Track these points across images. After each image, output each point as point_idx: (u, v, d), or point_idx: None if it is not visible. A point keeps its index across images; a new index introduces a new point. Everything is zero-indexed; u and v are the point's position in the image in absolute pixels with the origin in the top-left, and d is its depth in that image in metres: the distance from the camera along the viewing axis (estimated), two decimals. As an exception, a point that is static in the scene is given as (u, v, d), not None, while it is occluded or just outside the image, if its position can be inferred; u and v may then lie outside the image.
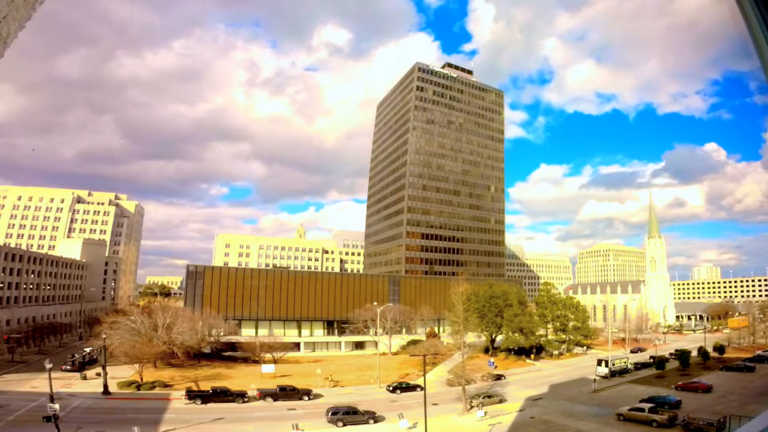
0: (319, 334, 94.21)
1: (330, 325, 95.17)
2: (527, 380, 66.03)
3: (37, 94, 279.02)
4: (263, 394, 50.52)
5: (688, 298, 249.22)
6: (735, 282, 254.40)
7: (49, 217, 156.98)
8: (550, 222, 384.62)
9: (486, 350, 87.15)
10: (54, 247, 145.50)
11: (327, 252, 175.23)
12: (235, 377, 61.43)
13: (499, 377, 65.82)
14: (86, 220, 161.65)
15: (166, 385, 53.60)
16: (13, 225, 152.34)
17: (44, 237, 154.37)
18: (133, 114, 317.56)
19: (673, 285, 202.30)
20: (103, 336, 56.96)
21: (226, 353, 76.80)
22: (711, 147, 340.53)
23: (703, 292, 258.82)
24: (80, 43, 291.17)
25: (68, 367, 60.81)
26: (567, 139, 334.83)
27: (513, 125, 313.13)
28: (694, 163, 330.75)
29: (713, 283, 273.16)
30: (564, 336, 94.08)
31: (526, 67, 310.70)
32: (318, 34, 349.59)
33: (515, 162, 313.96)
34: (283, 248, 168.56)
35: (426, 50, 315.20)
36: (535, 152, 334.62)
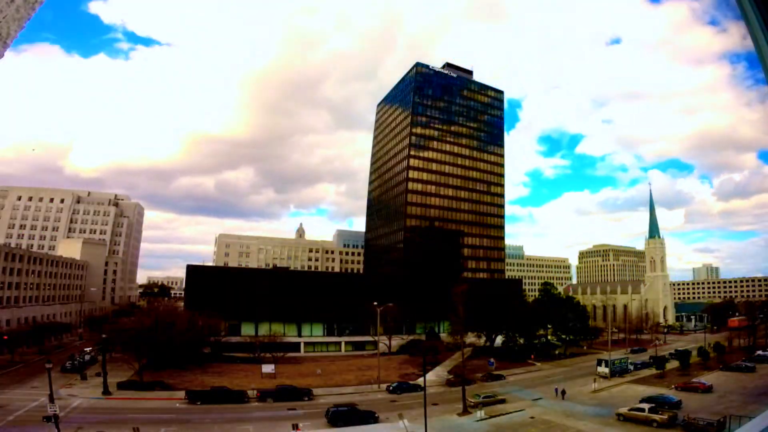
0: (319, 334, 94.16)
1: (330, 325, 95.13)
2: (527, 380, 66.05)
3: (216, 148, 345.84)
4: (263, 394, 50.49)
5: (688, 298, 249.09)
6: (735, 282, 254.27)
7: (49, 217, 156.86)
8: (557, 230, 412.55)
9: (486, 350, 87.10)
10: (54, 247, 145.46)
11: (327, 252, 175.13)
12: (235, 377, 61.36)
13: (499, 377, 65.86)
14: (86, 220, 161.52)
15: (165, 385, 53.56)
16: (14, 225, 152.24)
17: (44, 237, 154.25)
18: (275, 165, 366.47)
19: (673, 285, 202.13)
20: (103, 336, 56.94)
21: (226, 353, 76.76)
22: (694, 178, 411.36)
23: (703, 292, 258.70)
24: (282, 131, 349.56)
25: (68, 367, 60.79)
26: (587, 173, 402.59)
27: (549, 168, 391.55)
28: (675, 191, 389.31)
29: (713, 283, 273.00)
30: (564, 336, 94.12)
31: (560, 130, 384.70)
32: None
33: (544, 189, 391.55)
34: (283, 248, 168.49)
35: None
36: (559, 182, 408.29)
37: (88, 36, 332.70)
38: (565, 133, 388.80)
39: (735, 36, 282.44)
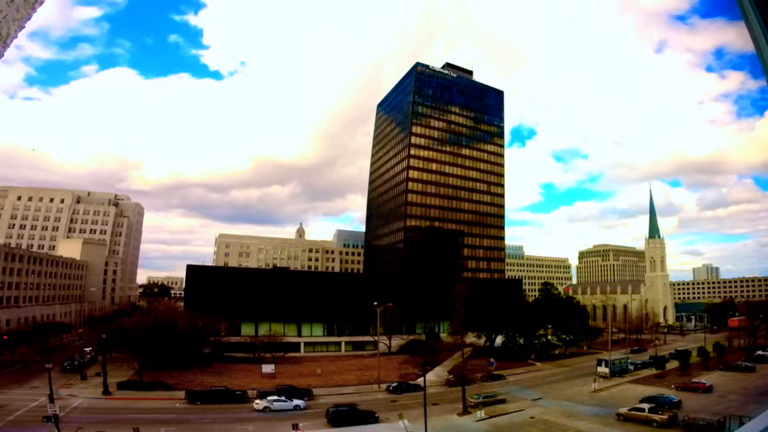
0: (319, 334, 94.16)
1: (330, 325, 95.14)
2: (527, 380, 66.05)
3: (274, 169, 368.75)
4: (263, 394, 50.46)
5: (688, 298, 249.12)
6: (735, 282, 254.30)
7: (49, 217, 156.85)
8: (563, 234, 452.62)
9: (486, 350, 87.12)
10: (54, 247, 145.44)
11: (327, 252, 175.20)
12: (235, 377, 61.41)
13: (499, 377, 65.86)
14: (86, 220, 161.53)
15: (165, 385, 53.56)
16: (13, 225, 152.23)
17: (44, 237, 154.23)
18: (316, 179, 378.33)
19: (673, 285, 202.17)
20: (103, 336, 56.92)
21: (226, 353, 76.77)
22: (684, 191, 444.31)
23: (703, 292, 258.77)
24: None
25: (68, 368, 60.77)
26: (593, 185, 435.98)
27: (561, 180, 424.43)
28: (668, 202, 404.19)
29: (713, 283, 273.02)
30: (564, 336, 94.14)
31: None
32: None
33: (554, 198, 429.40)
34: (283, 248, 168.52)
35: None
36: (569, 193, 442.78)
37: (167, 62, 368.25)
38: (577, 152, 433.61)
39: (727, 82, 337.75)
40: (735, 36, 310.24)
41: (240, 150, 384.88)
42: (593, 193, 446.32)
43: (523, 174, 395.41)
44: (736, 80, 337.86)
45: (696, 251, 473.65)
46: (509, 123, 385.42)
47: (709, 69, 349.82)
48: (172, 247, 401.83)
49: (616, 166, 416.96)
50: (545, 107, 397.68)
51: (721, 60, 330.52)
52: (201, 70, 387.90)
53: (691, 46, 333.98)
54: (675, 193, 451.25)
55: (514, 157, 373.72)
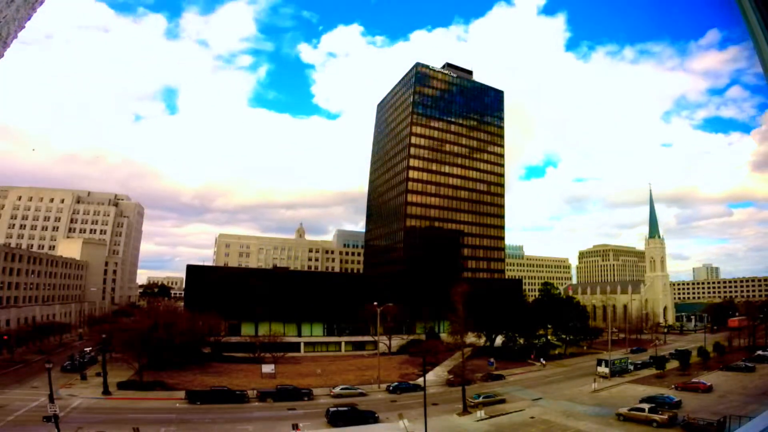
0: (319, 334, 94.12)
1: (330, 325, 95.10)
2: (527, 380, 66.07)
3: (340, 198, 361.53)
4: (263, 394, 50.49)
5: (688, 298, 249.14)
6: (735, 282, 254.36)
7: (49, 217, 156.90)
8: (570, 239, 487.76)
9: (486, 350, 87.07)
10: (54, 247, 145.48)
11: (327, 252, 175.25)
12: (235, 377, 61.39)
13: (499, 377, 65.86)
14: (86, 220, 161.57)
15: (165, 386, 53.55)
16: (13, 225, 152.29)
17: (44, 237, 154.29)
18: (361, 200, 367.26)
19: (673, 285, 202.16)
20: (103, 336, 56.92)
21: (226, 353, 76.75)
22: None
23: (703, 292, 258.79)
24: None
25: (68, 367, 60.78)
26: (599, 199, 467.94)
27: (575, 195, 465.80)
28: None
29: (713, 283, 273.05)
30: (564, 336, 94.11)
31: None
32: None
33: (566, 209, 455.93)
34: (283, 248, 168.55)
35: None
36: (578, 205, 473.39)
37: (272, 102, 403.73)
38: (585, 178, 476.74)
39: (709, 139, 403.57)
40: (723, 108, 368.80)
41: (323, 180, 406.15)
42: (593, 209, 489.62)
43: (544, 193, 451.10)
44: (725, 138, 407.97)
45: (680, 255, 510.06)
46: (538, 159, 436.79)
47: (715, 130, 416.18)
48: (204, 251, 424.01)
49: (615, 189, 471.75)
50: (566, 145, 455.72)
51: (719, 124, 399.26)
52: (302, 111, 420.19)
53: (689, 114, 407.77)
54: (658, 207, 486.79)
55: (538, 182, 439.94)
